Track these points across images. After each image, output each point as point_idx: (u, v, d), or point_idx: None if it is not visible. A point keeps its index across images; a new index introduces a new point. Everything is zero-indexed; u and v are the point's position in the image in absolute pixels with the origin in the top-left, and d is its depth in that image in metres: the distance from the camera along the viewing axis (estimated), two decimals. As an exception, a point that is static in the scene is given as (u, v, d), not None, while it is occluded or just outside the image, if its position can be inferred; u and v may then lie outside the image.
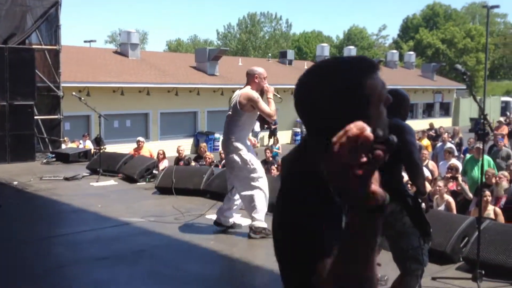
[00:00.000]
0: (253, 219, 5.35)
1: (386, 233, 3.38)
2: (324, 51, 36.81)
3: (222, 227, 5.64)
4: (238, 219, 6.15)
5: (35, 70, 11.86)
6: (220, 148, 7.11)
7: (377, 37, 66.79)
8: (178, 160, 11.48)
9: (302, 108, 1.40)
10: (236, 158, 5.27)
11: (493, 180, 8.09)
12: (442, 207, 6.89)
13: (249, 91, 5.33)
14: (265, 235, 5.33)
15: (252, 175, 5.31)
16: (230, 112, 5.41)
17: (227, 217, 5.64)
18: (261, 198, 5.36)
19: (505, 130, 14.09)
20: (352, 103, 1.22)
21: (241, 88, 5.52)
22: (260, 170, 5.44)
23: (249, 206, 5.33)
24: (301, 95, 1.40)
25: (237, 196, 5.50)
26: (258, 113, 5.40)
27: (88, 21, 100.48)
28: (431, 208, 5.62)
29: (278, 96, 5.68)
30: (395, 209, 3.26)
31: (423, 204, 3.44)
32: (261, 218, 5.36)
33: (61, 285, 4.18)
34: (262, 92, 5.47)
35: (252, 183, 5.31)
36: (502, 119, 18.01)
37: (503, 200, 7.16)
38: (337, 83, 1.24)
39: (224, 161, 11.20)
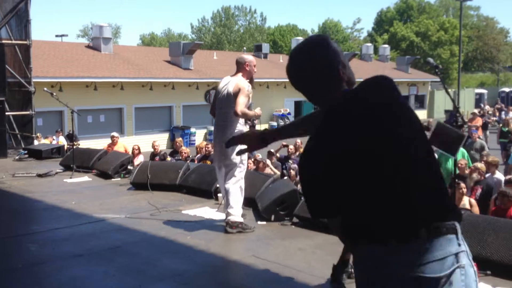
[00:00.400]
0: (229, 213, 5.36)
1: None
2: (299, 44, 36.94)
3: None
4: (213, 214, 6.18)
5: (5, 66, 11.64)
6: (197, 142, 6.90)
7: (351, 30, 67.35)
8: (153, 155, 11.43)
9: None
10: (229, 149, 5.12)
11: (466, 171, 8.29)
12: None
13: (241, 79, 5.25)
14: (242, 230, 5.35)
15: (239, 168, 5.30)
16: (221, 101, 5.30)
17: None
18: (241, 193, 5.37)
19: (479, 121, 14.37)
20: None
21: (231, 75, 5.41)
22: (245, 165, 5.46)
23: (229, 198, 5.31)
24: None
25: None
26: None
27: (60, 15, 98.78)
28: None
29: (258, 114, 5.37)
30: None
31: None
32: (239, 213, 5.38)
33: (37, 282, 4.14)
34: (251, 80, 5.41)
35: (237, 176, 5.30)
36: (476, 111, 18.35)
37: (478, 191, 7.31)
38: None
39: (198, 155, 11.21)
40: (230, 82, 5.26)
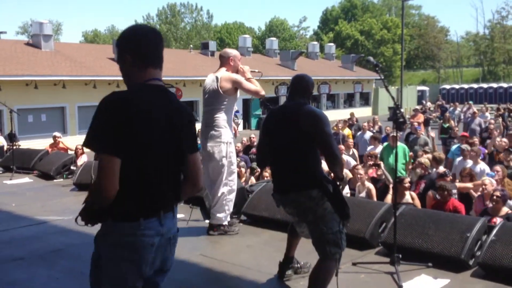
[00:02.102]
0: (213, 216, 5.18)
1: (307, 219, 3.51)
2: (246, 42, 37.04)
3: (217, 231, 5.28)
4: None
5: None
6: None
7: (298, 28, 68.12)
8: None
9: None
10: (217, 149, 5.02)
11: (410, 167, 8.57)
12: (363, 194, 7.17)
13: (229, 73, 5.09)
14: (223, 232, 5.20)
15: (229, 170, 5.12)
16: (208, 99, 5.10)
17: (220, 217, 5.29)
18: (232, 197, 5.21)
19: (421, 118, 14.84)
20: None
21: (214, 72, 5.22)
22: (235, 165, 5.28)
23: (216, 203, 5.14)
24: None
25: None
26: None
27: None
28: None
29: (257, 71, 5.45)
30: (316, 195, 3.39)
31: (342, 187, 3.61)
32: (222, 215, 5.18)
33: (-27, 289, 3.98)
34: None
35: (226, 180, 5.11)
36: (418, 107, 18.93)
37: (422, 186, 7.56)
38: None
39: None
40: (215, 80, 5.06)
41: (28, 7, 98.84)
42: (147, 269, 2.23)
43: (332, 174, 3.63)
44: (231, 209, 5.29)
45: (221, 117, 5.07)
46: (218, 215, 5.19)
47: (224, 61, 5.20)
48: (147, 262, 2.21)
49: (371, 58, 4.24)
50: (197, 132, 2.55)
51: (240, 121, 30.10)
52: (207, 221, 5.80)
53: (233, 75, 5.12)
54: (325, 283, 3.39)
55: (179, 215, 5.92)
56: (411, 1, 39.97)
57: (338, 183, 3.56)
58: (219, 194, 5.13)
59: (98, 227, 5.36)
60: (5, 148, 12.16)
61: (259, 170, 9.34)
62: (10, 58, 21.85)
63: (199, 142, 4.41)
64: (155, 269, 2.30)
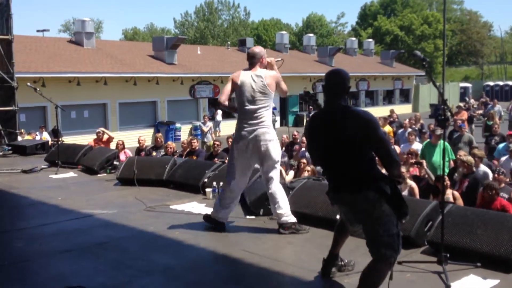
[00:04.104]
0: (280, 215, 5.11)
1: (362, 220, 3.44)
2: (284, 38, 36.93)
3: (212, 223, 5.35)
4: (201, 209, 6.15)
5: (-13, 61, 11.47)
6: (182, 138, 6.51)
7: (336, 24, 67.42)
8: (139, 150, 11.35)
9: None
10: (272, 147, 5.03)
11: (452, 164, 8.38)
12: (405, 192, 7.03)
13: (271, 72, 5.13)
14: (295, 231, 5.10)
15: (279, 167, 5.17)
16: (257, 98, 5.04)
17: (223, 217, 5.33)
18: (284, 192, 5.22)
19: (464, 115, 14.45)
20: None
21: (248, 70, 5.17)
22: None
23: (278, 201, 5.08)
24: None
25: (235, 194, 5.22)
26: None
27: (40, 9, 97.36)
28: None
29: (279, 59, 5.44)
30: (373, 197, 3.31)
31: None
32: (289, 213, 5.14)
33: (25, 277, 4.09)
34: None
35: (276, 176, 5.11)
36: (461, 104, 18.46)
37: (465, 185, 7.38)
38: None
39: (185, 151, 11.15)
40: (260, 77, 5.05)
41: (70, 5, 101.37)
42: None
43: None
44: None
45: (268, 115, 5.10)
46: (286, 213, 5.12)
47: (257, 60, 5.16)
48: None
49: (418, 52, 4.13)
50: None
51: (277, 118, 30.04)
52: (248, 216, 5.83)
53: (276, 74, 5.14)
54: (376, 285, 3.34)
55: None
56: (452, -4, 38.91)
57: (395, 182, 3.46)
58: (279, 192, 5.10)
59: (143, 221, 5.43)
60: (50, 143, 12.51)
61: (300, 166, 9.35)
62: (53, 55, 22.44)
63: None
64: None
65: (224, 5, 60.29)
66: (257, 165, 5.26)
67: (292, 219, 5.13)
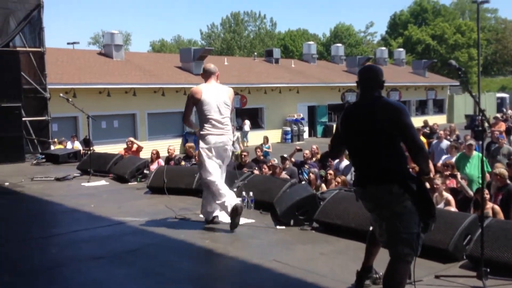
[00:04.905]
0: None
1: (383, 215, 3.42)
2: (311, 49, 36.88)
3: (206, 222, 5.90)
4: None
5: (21, 72, 11.76)
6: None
7: (364, 34, 66.97)
8: (168, 159, 11.44)
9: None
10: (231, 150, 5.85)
11: (488, 178, 8.19)
12: (441, 205, 6.88)
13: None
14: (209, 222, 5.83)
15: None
16: (228, 109, 5.75)
17: (211, 212, 5.89)
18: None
19: (502, 126, 14.03)
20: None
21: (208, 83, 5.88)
22: None
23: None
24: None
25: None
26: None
27: (70, 22, 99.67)
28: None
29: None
30: (397, 191, 3.29)
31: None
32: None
33: (58, 283, 4.15)
34: None
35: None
36: (498, 115, 17.94)
37: (499, 198, 7.21)
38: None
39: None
40: (222, 90, 5.78)
41: (99, 18, 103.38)
42: None
43: (415, 168, 3.52)
44: None
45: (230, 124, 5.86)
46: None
47: (213, 75, 5.85)
48: None
49: (453, 62, 4.06)
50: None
51: (306, 129, 29.95)
52: (278, 227, 5.81)
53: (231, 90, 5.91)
54: (401, 287, 3.29)
55: (248, 220, 5.99)
56: (486, 4, 38.17)
57: (424, 182, 3.42)
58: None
59: (173, 229, 5.47)
60: (81, 152, 12.73)
61: (279, 167, 9.41)
62: (84, 67, 22.90)
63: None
64: None
65: (250, 16, 60.63)
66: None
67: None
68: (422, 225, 3.34)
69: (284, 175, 9.81)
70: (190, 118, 5.98)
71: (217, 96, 5.65)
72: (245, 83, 27.33)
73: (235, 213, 5.45)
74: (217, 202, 5.59)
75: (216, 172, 5.64)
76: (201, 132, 5.67)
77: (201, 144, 5.69)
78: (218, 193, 5.55)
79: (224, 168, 5.83)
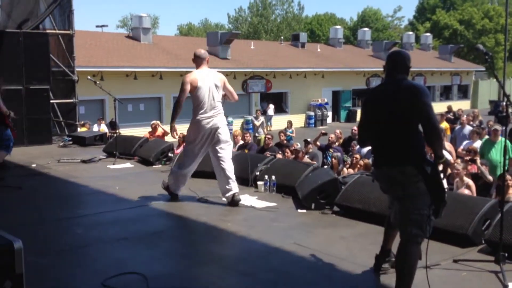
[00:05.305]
0: (235, 187, 6.08)
1: (396, 194, 3.48)
2: (338, 33, 36.50)
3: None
4: (253, 201, 6.22)
5: (50, 55, 11.92)
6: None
7: (392, 18, 65.75)
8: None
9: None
10: (225, 131, 6.14)
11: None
12: (462, 190, 6.84)
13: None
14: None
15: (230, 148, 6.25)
16: (219, 91, 6.07)
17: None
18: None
19: (527, 113, 13.72)
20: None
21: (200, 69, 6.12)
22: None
23: (231, 175, 6.04)
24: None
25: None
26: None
27: (99, 5, 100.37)
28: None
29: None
30: (410, 172, 3.33)
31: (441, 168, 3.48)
32: None
33: (84, 263, 4.27)
34: None
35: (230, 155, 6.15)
36: (524, 101, 17.62)
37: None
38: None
39: (238, 144, 11.27)
40: (214, 75, 6.06)
41: (127, 1, 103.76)
42: None
43: (431, 153, 3.53)
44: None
45: (222, 107, 6.15)
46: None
47: (204, 61, 6.08)
48: None
49: (480, 46, 4.00)
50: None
51: (329, 113, 29.78)
52: (299, 210, 5.85)
53: (222, 75, 6.16)
54: (412, 270, 3.33)
55: (270, 204, 6.04)
56: (515, -11, 37.07)
57: (437, 166, 3.42)
58: (232, 168, 6.14)
59: (197, 211, 5.55)
60: (107, 135, 12.91)
61: (302, 151, 9.40)
62: (112, 50, 23.13)
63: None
64: None
65: (278, 0, 60.12)
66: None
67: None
68: (433, 207, 3.36)
69: (306, 159, 9.82)
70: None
71: (209, 82, 5.95)
72: (270, 67, 27.25)
73: (175, 197, 6.27)
74: (171, 183, 6.24)
75: (193, 164, 6.19)
76: (196, 118, 6.00)
77: (193, 129, 6.07)
78: (176, 179, 6.20)
79: (224, 151, 6.08)
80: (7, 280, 2.61)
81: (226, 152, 6.07)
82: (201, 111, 5.95)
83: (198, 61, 6.08)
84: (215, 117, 5.99)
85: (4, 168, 7.97)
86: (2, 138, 7.50)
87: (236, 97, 6.32)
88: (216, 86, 5.98)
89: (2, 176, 7.49)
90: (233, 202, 5.98)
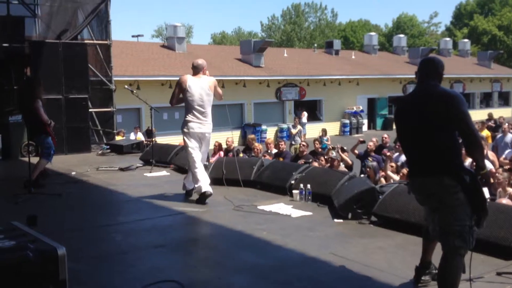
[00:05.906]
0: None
1: (433, 206, 3.39)
2: (372, 40, 36.17)
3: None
4: (289, 210, 6.19)
5: (88, 65, 12.19)
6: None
7: (428, 24, 64.75)
8: (227, 151, 11.58)
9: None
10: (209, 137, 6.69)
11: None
12: (505, 200, 6.64)
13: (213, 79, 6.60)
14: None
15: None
16: (210, 97, 6.49)
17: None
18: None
19: None
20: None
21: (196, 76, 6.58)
22: None
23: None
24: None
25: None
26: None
27: (135, 15, 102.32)
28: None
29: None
30: (448, 183, 3.24)
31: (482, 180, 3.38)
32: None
33: (121, 269, 4.31)
34: None
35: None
36: None
37: None
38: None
39: (272, 152, 11.27)
40: (205, 80, 6.46)
41: (162, 11, 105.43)
42: None
43: (473, 164, 3.44)
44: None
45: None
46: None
47: (201, 69, 6.51)
48: None
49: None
50: None
51: (365, 121, 29.46)
52: (336, 220, 5.78)
53: (214, 80, 6.60)
54: (455, 283, 3.24)
55: (306, 213, 5.99)
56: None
57: (476, 175, 3.32)
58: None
59: (232, 220, 5.58)
60: (144, 143, 13.09)
61: (337, 160, 9.30)
62: (147, 59, 23.49)
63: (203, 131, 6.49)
64: None
65: (311, 7, 60.02)
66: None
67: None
68: (475, 218, 3.26)
69: (342, 167, 9.72)
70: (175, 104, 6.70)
71: (199, 87, 6.39)
72: (304, 75, 27.18)
73: (203, 196, 6.45)
74: (195, 185, 6.53)
75: (197, 156, 6.51)
76: (185, 118, 6.48)
77: (184, 129, 6.48)
78: (196, 178, 6.46)
79: (203, 151, 6.66)
80: (51, 286, 2.65)
81: (203, 156, 6.73)
82: (189, 114, 6.43)
83: (195, 71, 6.51)
84: (204, 125, 6.51)
85: (45, 176, 8.16)
86: (43, 146, 7.69)
87: (221, 98, 6.72)
88: (206, 91, 6.42)
89: (43, 184, 7.67)
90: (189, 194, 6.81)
